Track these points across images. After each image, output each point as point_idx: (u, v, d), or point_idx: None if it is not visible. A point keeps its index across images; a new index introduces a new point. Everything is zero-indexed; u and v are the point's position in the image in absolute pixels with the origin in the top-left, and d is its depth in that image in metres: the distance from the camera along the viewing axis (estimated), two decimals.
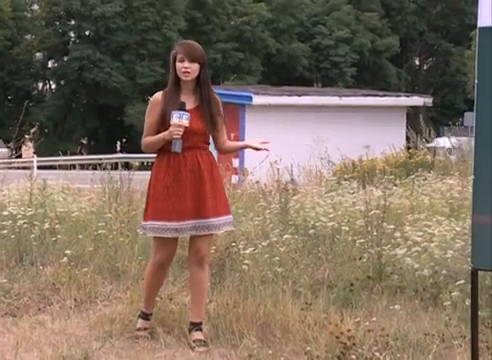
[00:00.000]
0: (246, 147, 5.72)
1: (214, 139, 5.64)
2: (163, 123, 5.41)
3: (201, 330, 5.56)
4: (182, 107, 5.34)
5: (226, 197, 5.73)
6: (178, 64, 5.40)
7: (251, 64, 48.88)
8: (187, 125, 5.31)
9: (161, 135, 5.41)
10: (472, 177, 4.60)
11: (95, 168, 12.39)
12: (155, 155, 5.60)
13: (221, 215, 5.50)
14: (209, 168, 5.48)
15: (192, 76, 5.42)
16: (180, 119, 5.30)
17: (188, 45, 5.52)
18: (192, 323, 5.60)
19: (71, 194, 10.99)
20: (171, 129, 5.33)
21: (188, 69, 5.37)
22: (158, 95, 5.55)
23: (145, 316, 5.78)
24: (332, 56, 49.55)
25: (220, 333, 5.76)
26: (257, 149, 5.53)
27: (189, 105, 5.42)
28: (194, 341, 5.44)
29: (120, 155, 24.46)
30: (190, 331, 5.57)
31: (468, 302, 5.15)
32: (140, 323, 5.78)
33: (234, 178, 14.63)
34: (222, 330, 5.78)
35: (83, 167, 22.73)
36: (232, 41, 48.78)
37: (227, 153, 5.94)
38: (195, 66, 5.39)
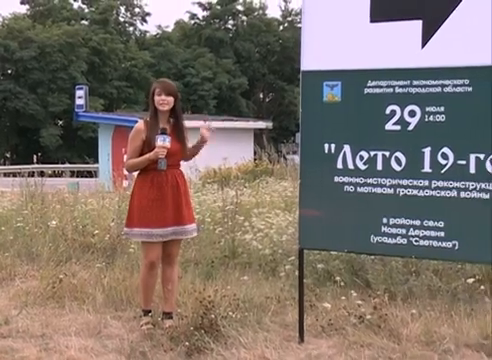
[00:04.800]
0: (202, 140, 5.15)
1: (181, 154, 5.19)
2: (148, 146, 4.98)
3: (172, 318, 5.04)
4: (164, 132, 4.95)
5: (192, 208, 5.35)
6: (156, 97, 5.03)
7: (138, 97, 48.17)
8: (169, 146, 4.92)
9: (146, 156, 4.96)
10: (299, 181, 4.70)
11: (15, 176, 11.97)
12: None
13: (191, 223, 5.13)
14: (183, 184, 5.12)
15: (168, 107, 5.04)
16: (164, 142, 4.90)
17: (165, 82, 5.18)
18: (165, 313, 5.10)
19: None
20: (156, 150, 4.90)
21: (165, 101, 5.01)
22: (140, 124, 5.10)
23: (146, 313, 5.13)
24: (199, 91, 49.42)
25: (111, 300, 5.67)
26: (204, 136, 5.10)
27: None
28: (166, 328, 4.90)
29: (36, 165, 23.62)
30: (163, 319, 5.07)
31: (297, 273, 5.24)
32: (144, 319, 5.11)
33: (125, 182, 14.44)
34: (113, 298, 5.70)
35: (6, 175, 21.93)
36: (123, 79, 48.19)
37: (191, 157, 5.33)
38: (170, 99, 5.03)
